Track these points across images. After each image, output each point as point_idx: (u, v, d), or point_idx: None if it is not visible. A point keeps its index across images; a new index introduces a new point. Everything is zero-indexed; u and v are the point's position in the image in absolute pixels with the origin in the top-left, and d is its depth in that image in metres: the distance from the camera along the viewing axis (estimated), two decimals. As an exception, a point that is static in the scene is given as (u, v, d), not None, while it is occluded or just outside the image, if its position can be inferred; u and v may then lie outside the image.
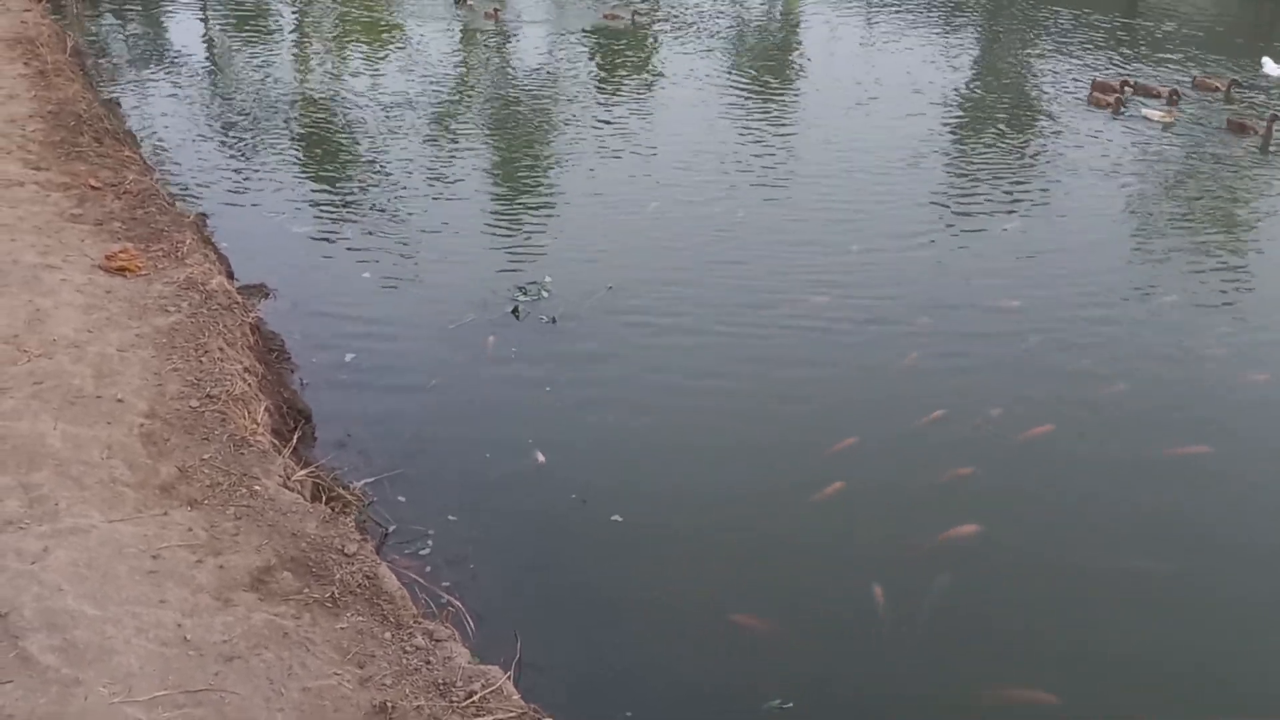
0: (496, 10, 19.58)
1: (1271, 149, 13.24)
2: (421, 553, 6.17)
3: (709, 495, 6.99)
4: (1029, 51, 18.41)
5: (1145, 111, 13.97)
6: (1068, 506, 7.03)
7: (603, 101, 15.03)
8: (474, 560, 6.26)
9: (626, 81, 16.16)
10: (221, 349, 6.61)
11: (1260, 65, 15.80)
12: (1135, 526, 6.85)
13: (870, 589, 6.12)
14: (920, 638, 5.90)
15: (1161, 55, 17.67)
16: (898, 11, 21.10)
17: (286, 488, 5.54)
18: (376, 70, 16.59)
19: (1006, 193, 12.11)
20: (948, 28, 20.14)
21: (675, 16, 20.16)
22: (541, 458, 7.25)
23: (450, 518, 6.57)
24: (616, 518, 6.72)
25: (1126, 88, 14.72)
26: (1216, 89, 15.05)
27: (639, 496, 6.94)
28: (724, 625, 5.91)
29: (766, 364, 8.44)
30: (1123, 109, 14.29)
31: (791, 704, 5.40)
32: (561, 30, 19.34)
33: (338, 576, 4.94)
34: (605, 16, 19.53)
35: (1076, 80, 16.11)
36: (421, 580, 5.57)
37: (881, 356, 8.60)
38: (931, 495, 6.99)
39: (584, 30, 19.12)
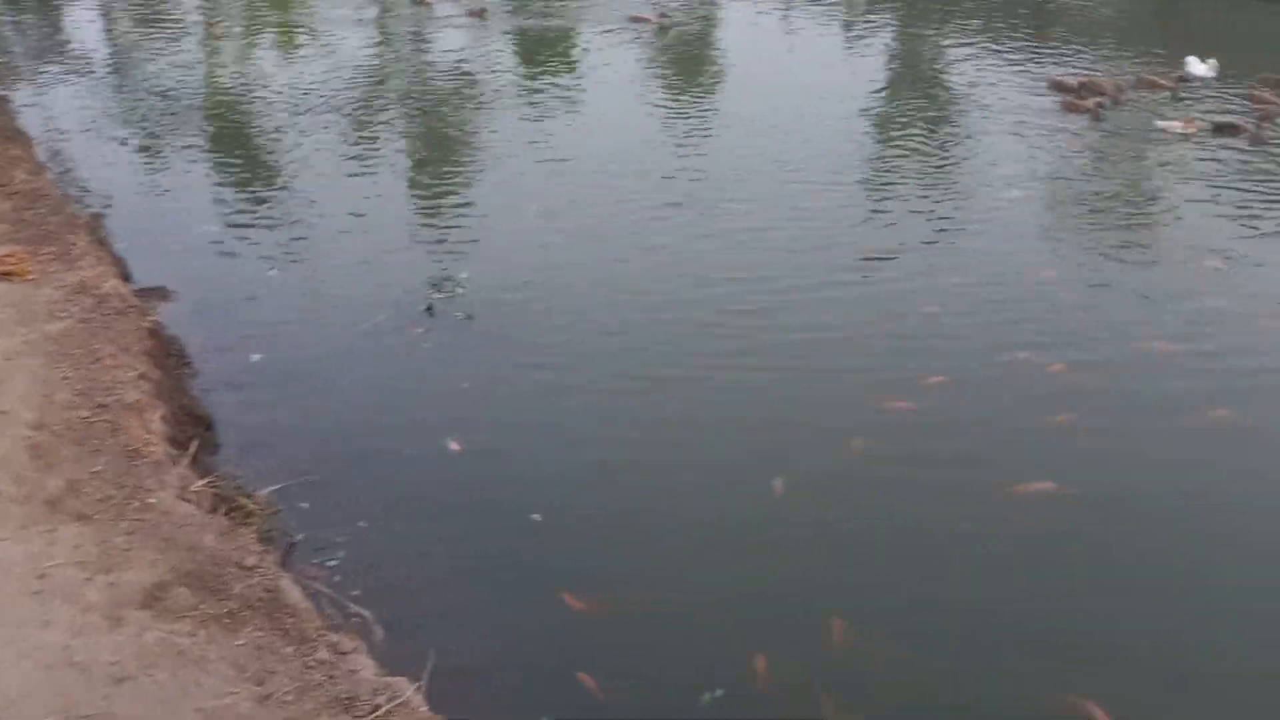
0: (483, 10, 19.20)
1: (1261, 145, 13.06)
2: (330, 562, 5.94)
3: (634, 490, 6.85)
4: (964, 48, 18.24)
5: (1160, 124, 13.48)
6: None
7: (529, 101, 14.74)
8: (387, 567, 6.05)
9: (556, 81, 15.87)
10: (114, 356, 6.34)
11: (1184, 65, 15.70)
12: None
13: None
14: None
15: (1082, 50, 17.78)
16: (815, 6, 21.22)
17: (183, 499, 5.32)
18: (290, 69, 16.21)
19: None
20: (866, 24, 20.25)
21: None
22: (455, 446, 7.08)
23: (361, 524, 6.35)
24: (536, 516, 6.55)
25: (1084, 88, 14.38)
26: (1163, 87, 14.98)
27: (561, 494, 6.77)
28: (652, 624, 5.78)
29: (692, 355, 8.28)
30: (1103, 112, 13.84)
31: (722, 692, 5.30)
32: (532, 30, 19.00)
33: (236, 591, 4.74)
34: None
35: (1026, 78, 15.88)
36: (328, 591, 5.38)
37: (814, 355, 8.38)
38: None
39: (565, 30, 18.86)
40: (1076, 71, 15.99)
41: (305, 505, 6.36)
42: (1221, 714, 5.32)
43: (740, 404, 7.72)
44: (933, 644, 5.69)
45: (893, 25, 20.30)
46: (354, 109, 14.32)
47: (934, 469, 7.03)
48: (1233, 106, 14.33)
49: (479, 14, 19.12)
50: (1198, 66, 15.48)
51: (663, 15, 19.07)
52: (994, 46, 17.98)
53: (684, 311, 8.95)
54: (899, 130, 13.82)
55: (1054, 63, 16.79)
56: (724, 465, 7.08)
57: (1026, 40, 18.37)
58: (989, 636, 5.75)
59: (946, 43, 18.70)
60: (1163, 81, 15.13)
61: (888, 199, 11.51)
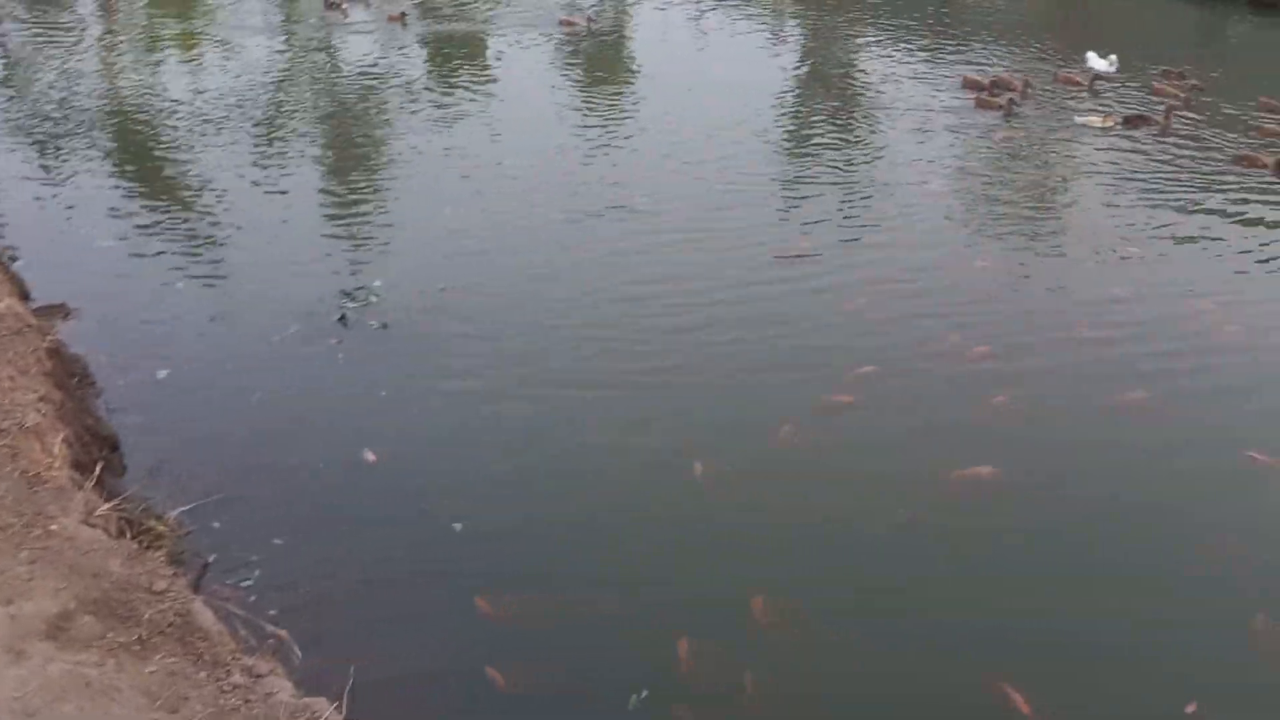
0: (403, 14, 19.13)
1: (1171, 130, 13.59)
2: (244, 582, 5.82)
3: (557, 494, 6.83)
4: (870, 45, 18.53)
5: (1080, 120, 13.95)
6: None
7: (443, 108, 14.58)
8: (304, 584, 5.95)
9: (473, 88, 15.70)
10: (12, 378, 6.11)
11: (1084, 59, 16.17)
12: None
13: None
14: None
15: (985, 47, 18.16)
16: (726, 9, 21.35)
17: (88, 525, 5.14)
18: (195, 78, 15.81)
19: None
20: (775, 23, 20.41)
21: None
22: (371, 457, 7.01)
23: (276, 541, 6.22)
24: (456, 526, 6.49)
25: (995, 86, 14.77)
26: (1079, 84, 15.37)
27: (482, 502, 6.71)
28: (572, 630, 5.77)
29: (613, 360, 8.27)
30: (1015, 108, 14.18)
31: (647, 692, 5.32)
32: (451, 35, 18.76)
33: (146, 617, 4.59)
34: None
35: (936, 75, 16.19)
36: (242, 612, 5.25)
37: (739, 358, 8.39)
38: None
39: (485, 35, 18.68)
40: (985, 68, 16.36)
41: (217, 525, 6.21)
42: (1134, 692, 5.48)
43: (663, 406, 7.73)
44: (857, 625, 5.82)
45: (800, 24, 20.53)
46: (262, 118, 14.04)
47: (869, 456, 7.20)
48: (1140, 100, 14.81)
49: (399, 19, 18.99)
50: (1098, 62, 15.94)
51: (590, 19, 19.18)
52: (900, 43, 18.30)
53: (603, 315, 8.93)
54: (813, 130, 13.97)
55: (959, 59, 17.14)
56: (648, 466, 7.09)
57: (932, 36, 18.72)
58: (915, 617, 5.87)
59: (853, 40, 18.97)
60: (1078, 79, 15.56)
61: (806, 199, 11.59)
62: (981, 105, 14.44)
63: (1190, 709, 5.31)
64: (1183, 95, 14.60)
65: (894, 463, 7.12)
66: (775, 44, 18.88)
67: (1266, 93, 14.53)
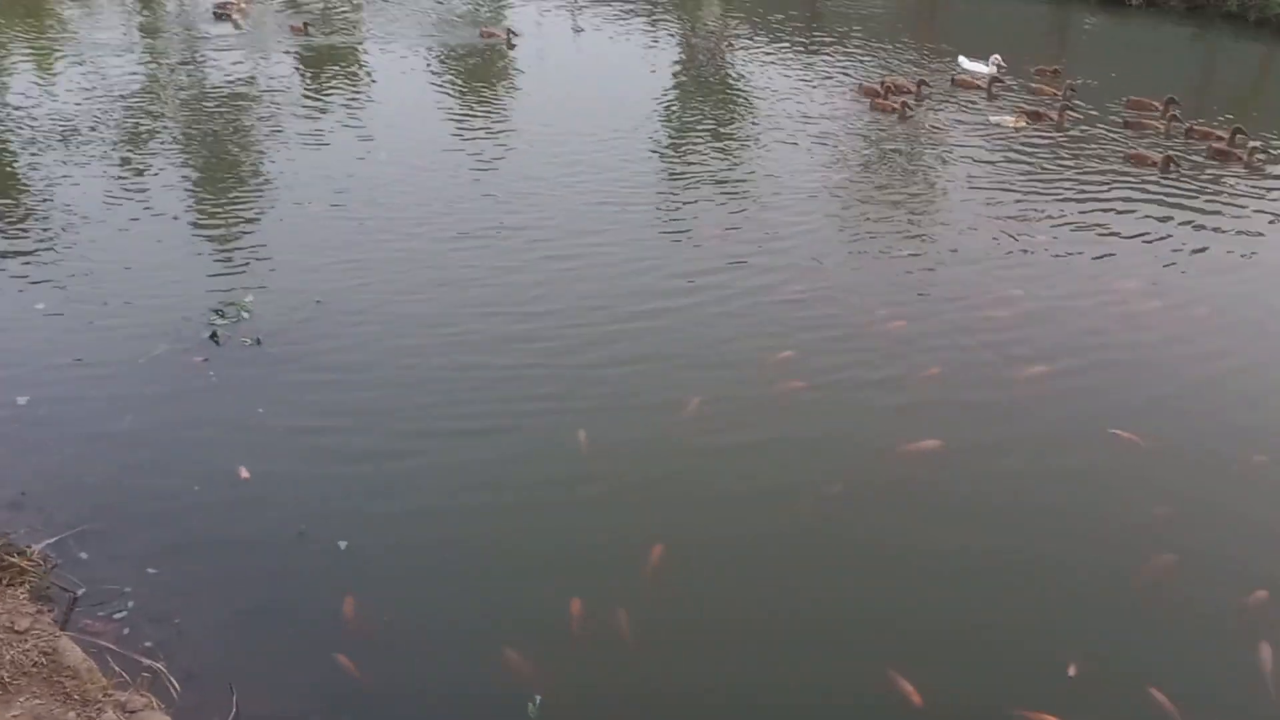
0: (306, 24, 18.80)
1: (1065, 128, 14.19)
2: (117, 615, 5.59)
3: (437, 509, 6.73)
4: (750, 50, 18.71)
5: (994, 119, 14.35)
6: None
7: (309, 115, 14.30)
8: (181, 613, 5.74)
9: (336, 95, 15.42)
10: None
11: (958, 62, 16.74)
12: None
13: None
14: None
15: (861, 49, 18.54)
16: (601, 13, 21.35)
17: (-59, 565, 4.89)
18: (51, 96, 15.06)
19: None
20: (648, 29, 20.50)
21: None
22: (245, 473, 6.84)
23: (150, 570, 5.99)
24: (342, 544, 6.35)
25: (889, 91, 15.11)
26: (979, 86, 15.85)
27: (363, 518, 6.59)
28: (468, 648, 5.70)
29: (486, 370, 8.21)
30: (909, 110, 14.55)
31: (540, 697, 5.31)
32: (339, 48, 18.36)
33: (7, 658, 4.40)
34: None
35: (825, 81, 16.47)
36: (115, 646, 5.05)
37: (602, 351, 8.49)
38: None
39: (382, 48, 18.28)
40: (849, 72, 16.75)
41: (85, 556, 5.97)
42: (1019, 666, 5.66)
43: (556, 409, 7.70)
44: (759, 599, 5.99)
45: (673, 31, 20.67)
46: (127, 135, 13.49)
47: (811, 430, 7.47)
48: (1022, 98, 15.35)
49: (301, 29, 18.62)
50: (972, 65, 16.52)
51: (510, 31, 19.06)
52: (780, 44, 18.61)
53: (479, 324, 8.84)
54: (702, 139, 13.97)
55: (839, 61, 17.51)
56: (541, 464, 7.09)
57: (809, 38, 19.08)
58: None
59: (733, 46, 19.15)
60: (976, 81, 16.07)
61: (703, 211, 11.49)
62: (877, 109, 14.83)
63: (1071, 671, 5.52)
64: (1060, 93, 15.15)
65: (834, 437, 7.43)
66: (647, 51, 18.94)
67: (1130, 88, 15.24)
